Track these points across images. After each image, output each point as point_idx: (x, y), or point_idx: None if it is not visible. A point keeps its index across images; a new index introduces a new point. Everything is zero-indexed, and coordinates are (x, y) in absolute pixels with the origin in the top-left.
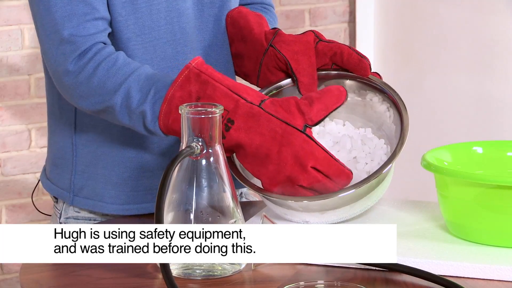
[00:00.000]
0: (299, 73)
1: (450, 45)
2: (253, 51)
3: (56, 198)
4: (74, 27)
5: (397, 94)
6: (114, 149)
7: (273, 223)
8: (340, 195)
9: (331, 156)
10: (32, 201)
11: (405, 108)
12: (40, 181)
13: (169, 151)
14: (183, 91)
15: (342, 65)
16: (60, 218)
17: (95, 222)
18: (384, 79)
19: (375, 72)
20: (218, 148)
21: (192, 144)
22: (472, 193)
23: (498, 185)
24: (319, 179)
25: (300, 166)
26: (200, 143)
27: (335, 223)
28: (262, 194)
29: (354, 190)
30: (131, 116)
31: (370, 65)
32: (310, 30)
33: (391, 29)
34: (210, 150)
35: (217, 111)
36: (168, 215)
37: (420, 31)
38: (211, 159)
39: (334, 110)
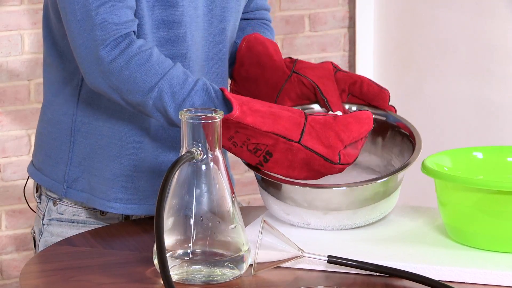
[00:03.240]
0: (327, 94)
1: (449, 50)
2: (272, 77)
3: (39, 198)
4: (107, 13)
5: (413, 127)
6: (112, 144)
7: (273, 228)
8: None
9: None
10: (25, 196)
11: (420, 139)
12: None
13: (165, 156)
14: (222, 125)
15: (360, 95)
16: (43, 219)
17: (78, 225)
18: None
19: (391, 106)
20: (218, 153)
21: (192, 150)
22: (472, 198)
23: (498, 190)
24: None
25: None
26: (200, 149)
27: (336, 230)
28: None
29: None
30: (164, 116)
31: (389, 96)
32: (328, 61)
33: (391, 34)
34: (210, 156)
35: (217, 117)
36: (168, 220)
37: (420, 36)
38: (211, 164)
39: (363, 138)
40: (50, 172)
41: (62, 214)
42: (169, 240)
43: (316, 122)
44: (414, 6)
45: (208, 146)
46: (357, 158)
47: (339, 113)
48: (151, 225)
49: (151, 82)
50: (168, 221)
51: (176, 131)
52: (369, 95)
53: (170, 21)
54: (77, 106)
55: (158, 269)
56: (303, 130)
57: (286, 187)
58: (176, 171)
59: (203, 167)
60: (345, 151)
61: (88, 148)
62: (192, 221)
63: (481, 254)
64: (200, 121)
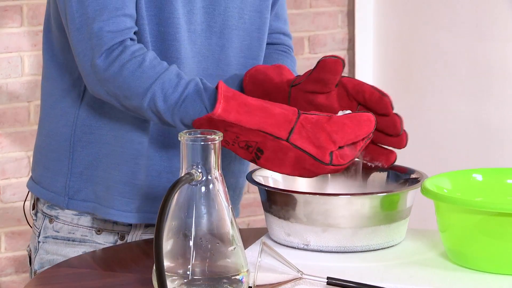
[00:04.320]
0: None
1: (449, 72)
2: (276, 99)
3: (36, 215)
4: (104, 21)
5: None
6: (115, 152)
7: (272, 250)
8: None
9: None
10: (25, 214)
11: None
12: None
13: (167, 164)
14: (211, 125)
15: (364, 102)
16: (38, 237)
17: (74, 243)
18: None
19: (396, 114)
20: (218, 174)
21: (191, 171)
22: (472, 220)
23: (498, 212)
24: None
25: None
26: (199, 170)
27: (334, 252)
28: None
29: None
30: (160, 119)
31: (391, 103)
32: None
33: (390, 56)
34: (210, 177)
35: (217, 138)
36: (167, 242)
37: (419, 58)
38: (211, 186)
39: (363, 139)
40: (50, 184)
41: (58, 232)
42: (168, 262)
43: (307, 121)
44: (413, 28)
45: (207, 168)
46: (355, 158)
47: (346, 112)
48: (150, 246)
49: (143, 87)
50: (167, 243)
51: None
52: (371, 103)
53: (166, 32)
54: (77, 117)
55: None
56: (292, 128)
57: (286, 200)
58: (175, 193)
59: (203, 188)
60: (339, 152)
61: (90, 157)
62: (191, 243)
63: (481, 276)
64: (199, 143)
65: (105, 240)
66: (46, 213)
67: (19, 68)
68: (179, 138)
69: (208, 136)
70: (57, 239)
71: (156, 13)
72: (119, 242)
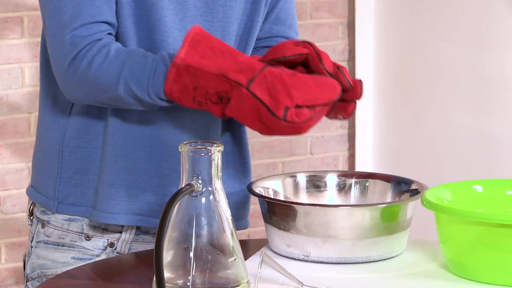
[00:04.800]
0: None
1: (449, 83)
2: None
3: (31, 220)
4: (77, 28)
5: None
6: (104, 153)
7: (272, 261)
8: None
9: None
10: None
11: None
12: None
13: (158, 167)
14: (180, 85)
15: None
16: (31, 241)
17: (63, 248)
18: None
19: (356, 80)
20: (218, 185)
21: (191, 182)
22: (473, 231)
23: (498, 223)
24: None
25: (292, 134)
26: (200, 181)
27: (334, 263)
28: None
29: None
30: (141, 102)
31: (361, 85)
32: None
33: (390, 67)
34: (210, 188)
35: (217, 150)
36: (167, 253)
37: (419, 69)
38: (211, 197)
39: (321, 105)
40: (42, 188)
41: (49, 236)
42: (168, 272)
43: (271, 73)
44: (414, 39)
45: (207, 179)
46: (314, 124)
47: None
48: (150, 257)
49: (114, 76)
50: (167, 254)
51: (170, 140)
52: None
53: (154, 40)
54: (67, 122)
55: None
56: (254, 76)
57: (286, 212)
58: (175, 204)
59: (203, 200)
60: (297, 110)
61: (79, 162)
62: (191, 254)
63: None
64: (199, 154)
65: (94, 246)
66: (39, 218)
67: (19, 79)
68: (179, 150)
69: (209, 147)
70: (48, 244)
71: (144, 20)
72: (108, 249)
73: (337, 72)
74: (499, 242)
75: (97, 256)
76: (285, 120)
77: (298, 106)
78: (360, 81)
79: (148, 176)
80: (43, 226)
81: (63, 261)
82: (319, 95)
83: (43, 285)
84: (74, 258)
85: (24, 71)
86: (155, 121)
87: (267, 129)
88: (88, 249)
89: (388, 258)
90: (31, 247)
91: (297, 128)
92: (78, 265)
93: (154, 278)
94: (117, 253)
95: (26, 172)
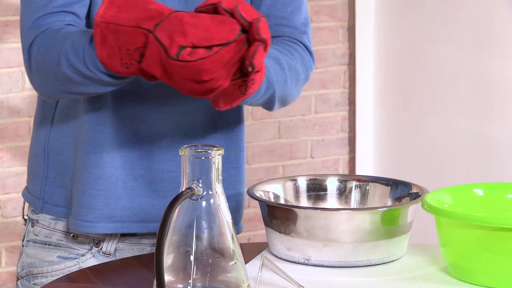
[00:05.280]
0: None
1: (449, 86)
2: None
3: (25, 220)
4: (40, 17)
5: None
6: (78, 161)
7: (273, 264)
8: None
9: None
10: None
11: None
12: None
13: (132, 176)
14: (107, 49)
15: None
16: (23, 240)
17: (49, 247)
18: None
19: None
20: (219, 189)
21: (192, 186)
22: (473, 235)
23: (499, 227)
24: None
25: (199, 82)
26: (200, 185)
27: (335, 267)
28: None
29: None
30: (85, 78)
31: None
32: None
33: (390, 71)
34: (210, 192)
35: (218, 153)
36: (168, 256)
37: (420, 73)
38: (211, 200)
39: (218, 45)
40: (31, 188)
41: (37, 235)
42: (169, 276)
43: (175, 17)
44: (414, 43)
45: (208, 183)
46: (213, 66)
47: None
48: (151, 261)
49: (57, 51)
50: (168, 257)
51: (146, 151)
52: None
53: None
54: (52, 123)
55: None
56: (161, 21)
57: (287, 215)
58: (176, 208)
59: (203, 203)
60: (192, 50)
61: (61, 164)
62: (192, 258)
63: None
64: (200, 158)
65: (80, 246)
66: (29, 217)
67: (20, 83)
68: (180, 153)
69: (209, 151)
70: (36, 242)
71: None
72: (94, 248)
73: (233, 9)
74: (500, 246)
75: (83, 255)
76: (177, 59)
77: (195, 47)
78: (259, 18)
79: (122, 182)
80: (32, 225)
81: (49, 259)
82: (215, 35)
83: None
84: (60, 257)
85: (24, 75)
86: (131, 127)
87: (166, 75)
88: (74, 248)
89: (389, 262)
90: (22, 246)
91: (193, 70)
92: (64, 264)
93: (155, 282)
94: (103, 253)
95: (26, 176)
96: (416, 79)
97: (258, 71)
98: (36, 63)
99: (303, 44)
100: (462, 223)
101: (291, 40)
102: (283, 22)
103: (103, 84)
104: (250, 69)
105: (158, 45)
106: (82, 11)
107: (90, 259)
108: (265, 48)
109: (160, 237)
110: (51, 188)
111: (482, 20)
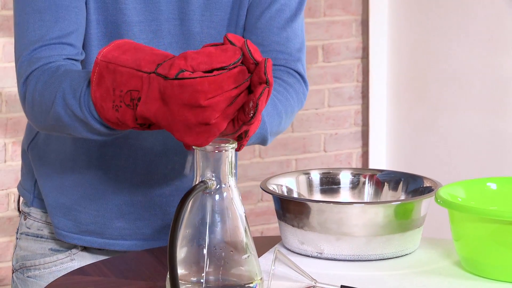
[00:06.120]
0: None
1: (463, 82)
2: None
3: (19, 212)
4: (36, 49)
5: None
6: (55, 174)
7: (286, 258)
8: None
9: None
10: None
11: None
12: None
13: (105, 191)
14: (101, 89)
15: None
16: (17, 233)
17: (41, 239)
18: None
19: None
20: (232, 182)
21: (205, 180)
22: (487, 229)
23: None
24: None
25: (195, 108)
26: (213, 178)
27: (348, 260)
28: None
29: (363, 204)
30: (77, 119)
31: (264, 66)
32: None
33: (404, 65)
34: (224, 185)
35: (231, 147)
36: (181, 250)
37: (433, 68)
38: (225, 194)
39: (218, 70)
40: (23, 181)
41: (29, 228)
42: (182, 269)
43: (180, 55)
44: (427, 38)
45: (221, 176)
46: (212, 92)
47: None
48: (164, 254)
49: (55, 90)
50: (181, 251)
51: (117, 169)
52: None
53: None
54: (35, 135)
55: None
56: (164, 61)
57: (300, 209)
58: (189, 201)
59: (217, 197)
60: (193, 74)
61: (48, 167)
62: (205, 251)
63: (496, 286)
64: (213, 151)
65: (71, 240)
66: (22, 210)
67: None
68: (193, 147)
69: (222, 145)
70: (28, 235)
71: (109, 34)
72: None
73: (242, 45)
74: None
75: (75, 247)
76: (176, 78)
77: (195, 72)
78: (267, 59)
79: (79, 195)
80: (25, 218)
81: (41, 252)
82: (215, 58)
83: (55, 282)
84: (51, 249)
85: None
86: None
87: (163, 104)
88: (64, 241)
89: (402, 256)
90: (16, 239)
91: (191, 90)
92: (56, 256)
93: (168, 275)
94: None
95: None
96: (430, 73)
97: (252, 123)
98: (31, 97)
99: (298, 73)
100: (475, 217)
101: (286, 70)
102: (278, 48)
103: (90, 130)
104: (251, 113)
105: (158, 77)
106: (79, 40)
107: (82, 251)
108: (269, 93)
109: (173, 230)
110: (43, 183)
111: (496, 17)
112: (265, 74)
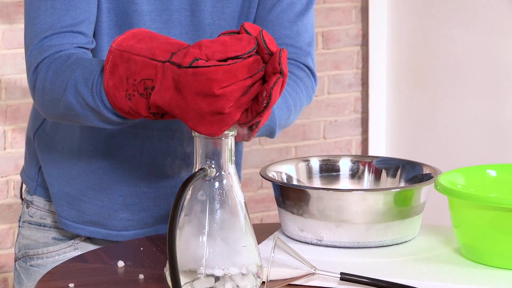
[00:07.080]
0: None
1: (463, 69)
2: None
3: (22, 200)
4: (47, 37)
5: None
6: (61, 163)
7: (286, 245)
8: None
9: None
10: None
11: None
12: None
13: (108, 182)
14: (115, 78)
15: None
16: (19, 221)
17: (45, 228)
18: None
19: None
20: (231, 169)
21: (205, 167)
22: (486, 216)
23: None
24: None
25: (209, 97)
26: (213, 166)
27: (347, 248)
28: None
29: (363, 191)
30: (88, 108)
31: (279, 57)
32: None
33: (404, 52)
34: (223, 172)
35: (230, 134)
36: (180, 237)
37: (433, 54)
38: (224, 181)
39: (232, 59)
40: (26, 168)
41: (32, 217)
42: (181, 257)
43: (195, 43)
44: (427, 24)
45: (221, 163)
46: (226, 81)
47: None
48: (164, 242)
49: (66, 78)
50: (181, 238)
51: (124, 159)
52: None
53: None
54: (42, 123)
55: (171, 286)
56: (179, 50)
57: (300, 196)
58: (189, 188)
59: (216, 184)
60: (207, 62)
61: (54, 156)
62: (205, 238)
63: (495, 272)
64: (212, 138)
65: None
66: (25, 199)
67: None
68: (192, 134)
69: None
70: (31, 224)
71: (119, 26)
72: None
73: (257, 34)
74: None
75: (78, 236)
76: (191, 66)
77: (209, 60)
78: (282, 49)
79: (84, 185)
80: (27, 206)
81: (44, 241)
82: (230, 47)
83: (55, 268)
84: (54, 238)
85: None
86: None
87: (177, 93)
88: (67, 231)
89: (401, 243)
90: (19, 227)
91: (204, 78)
92: (59, 245)
93: (168, 262)
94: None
95: None
96: (430, 60)
97: (261, 119)
98: (42, 85)
99: (307, 67)
100: (475, 204)
101: (295, 63)
102: (288, 42)
103: (101, 119)
104: (265, 102)
105: (172, 65)
106: (90, 28)
107: (85, 241)
108: (283, 84)
109: (172, 218)
110: (43, 174)
111: (497, 4)
112: (279, 64)
